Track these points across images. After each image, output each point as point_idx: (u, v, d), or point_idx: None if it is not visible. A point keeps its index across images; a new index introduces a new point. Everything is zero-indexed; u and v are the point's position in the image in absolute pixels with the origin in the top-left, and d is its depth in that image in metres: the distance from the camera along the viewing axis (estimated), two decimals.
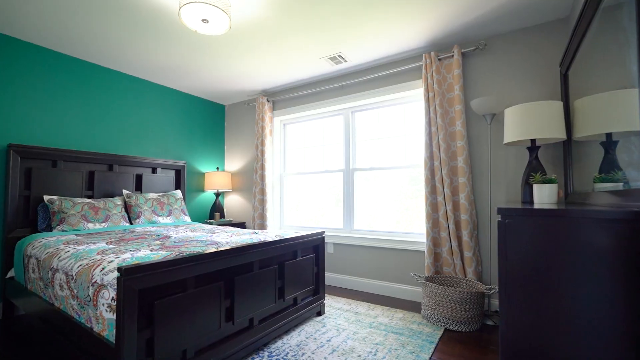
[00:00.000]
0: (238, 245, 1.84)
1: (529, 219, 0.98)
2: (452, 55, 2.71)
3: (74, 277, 1.53)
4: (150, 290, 1.39)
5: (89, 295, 1.42)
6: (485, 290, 2.29)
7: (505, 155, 2.56)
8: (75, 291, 1.51)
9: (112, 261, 1.50)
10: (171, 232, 2.59)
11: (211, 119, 4.36)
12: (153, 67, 3.25)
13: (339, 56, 3.01)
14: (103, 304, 1.34)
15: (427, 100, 2.80)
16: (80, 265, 1.56)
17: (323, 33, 2.60)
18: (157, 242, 2.07)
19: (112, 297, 1.32)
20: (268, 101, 3.95)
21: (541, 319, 1.01)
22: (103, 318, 1.35)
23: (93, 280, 1.42)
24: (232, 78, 3.54)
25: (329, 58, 3.05)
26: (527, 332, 1.02)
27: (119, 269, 1.26)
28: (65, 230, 2.50)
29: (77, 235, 2.36)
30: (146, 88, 3.61)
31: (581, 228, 0.94)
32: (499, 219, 1.02)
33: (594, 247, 0.92)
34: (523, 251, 1.02)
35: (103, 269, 1.44)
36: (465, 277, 2.60)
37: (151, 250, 1.74)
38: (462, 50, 2.68)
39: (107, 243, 2.01)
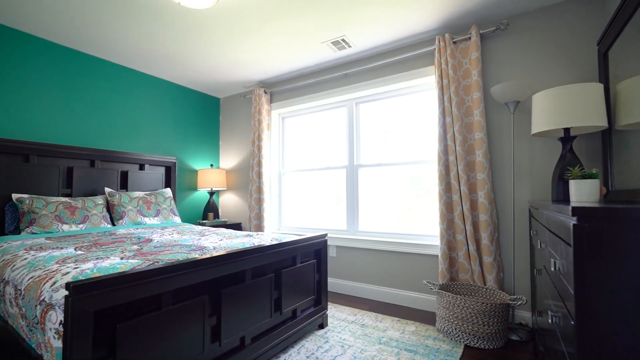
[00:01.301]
0: (227, 251, 1.56)
1: (624, 223, 0.70)
2: (469, 37, 2.43)
3: (22, 292, 1.25)
4: (111, 310, 1.12)
5: (36, 317, 1.14)
6: (511, 302, 2.01)
7: (530, 148, 2.28)
8: (23, 310, 1.23)
9: (67, 273, 1.22)
10: (155, 234, 2.30)
11: (205, 113, 4.07)
12: (142, 54, 2.96)
13: (343, 40, 2.73)
14: (51, 329, 1.06)
15: (441, 88, 2.52)
16: (32, 277, 1.28)
17: (324, 14, 2.32)
18: (135, 247, 1.78)
19: (60, 320, 1.04)
20: (265, 93, 3.66)
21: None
22: (51, 346, 1.06)
23: (41, 298, 1.14)
24: (227, 67, 3.26)
25: (332, 42, 2.76)
26: None
27: (67, 286, 0.98)
28: (36, 233, 2.22)
29: (47, 238, 2.08)
30: (135, 78, 3.32)
31: None
32: (575, 223, 0.74)
33: None
34: (613, 268, 0.74)
35: (54, 283, 1.16)
36: (485, 285, 2.32)
37: (121, 258, 1.46)
38: (481, 32, 2.40)
39: (75, 248, 1.73)
